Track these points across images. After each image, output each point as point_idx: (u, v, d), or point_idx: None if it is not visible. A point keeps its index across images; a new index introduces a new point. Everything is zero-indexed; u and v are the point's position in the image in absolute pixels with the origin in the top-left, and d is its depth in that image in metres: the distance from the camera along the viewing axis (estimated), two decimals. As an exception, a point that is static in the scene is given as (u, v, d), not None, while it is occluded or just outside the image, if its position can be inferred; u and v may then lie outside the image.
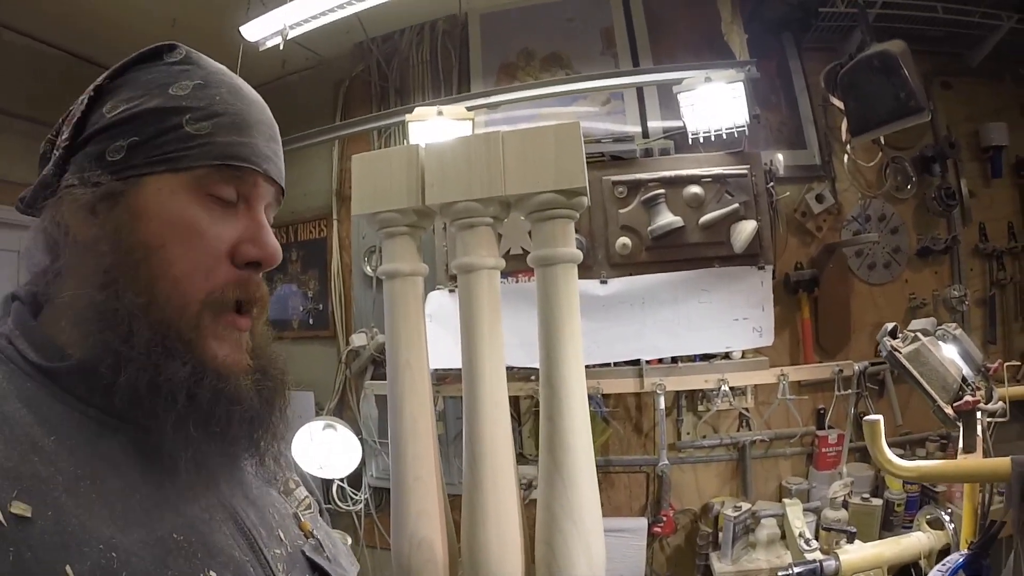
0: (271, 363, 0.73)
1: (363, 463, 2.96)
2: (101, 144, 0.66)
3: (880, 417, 1.50)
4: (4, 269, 2.93)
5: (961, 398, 1.50)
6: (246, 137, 0.69)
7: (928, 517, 2.04)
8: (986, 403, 1.55)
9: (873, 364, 2.61)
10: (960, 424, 1.51)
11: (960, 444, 1.54)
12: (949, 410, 1.50)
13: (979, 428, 1.50)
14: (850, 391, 2.56)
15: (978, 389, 1.58)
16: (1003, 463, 1.37)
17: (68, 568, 0.52)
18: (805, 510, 2.43)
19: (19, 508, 0.52)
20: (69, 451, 0.58)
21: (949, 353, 1.66)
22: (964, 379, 1.57)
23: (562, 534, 0.71)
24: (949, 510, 1.98)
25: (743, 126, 2.43)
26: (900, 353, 1.54)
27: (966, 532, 1.67)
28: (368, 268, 3.12)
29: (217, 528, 0.65)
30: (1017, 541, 1.21)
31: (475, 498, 0.74)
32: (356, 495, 3.03)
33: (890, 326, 1.65)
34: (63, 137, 0.69)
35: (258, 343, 0.73)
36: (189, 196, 0.65)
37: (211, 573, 0.61)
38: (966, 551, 1.48)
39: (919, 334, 1.60)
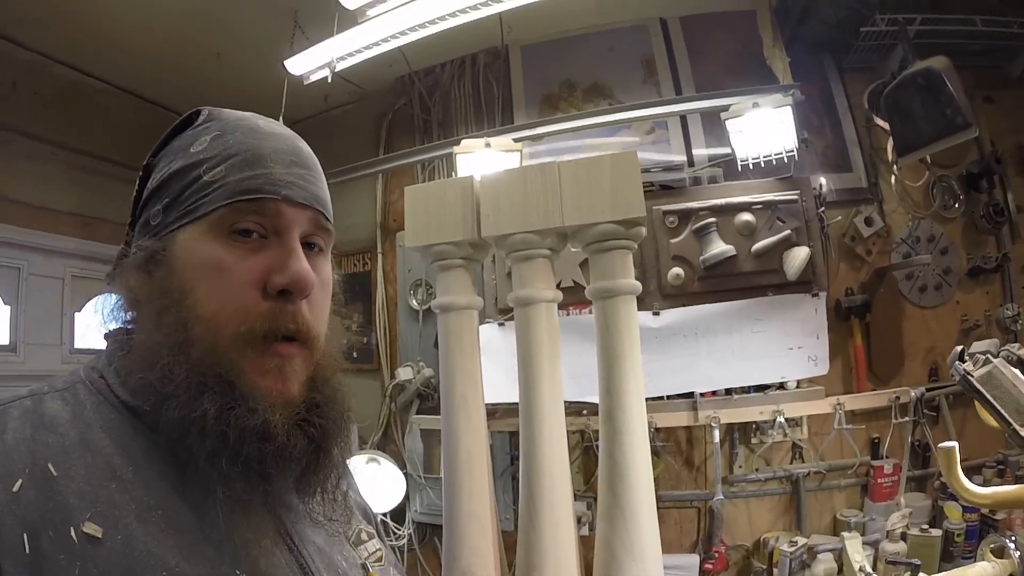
0: (329, 398, 0.72)
1: (407, 497, 2.95)
2: (146, 213, 0.73)
3: (955, 444, 1.47)
4: (45, 294, 3.08)
5: None
6: (259, 169, 0.70)
7: (992, 546, 1.98)
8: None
9: (930, 390, 2.56)
10: None
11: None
12: None
13: None
14: (907, 418, 2.51)
15: None
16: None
17: None
18: (863, 543, 2.36)
19: (91, 528, 0.57)
20: (146, 482, 0.62)
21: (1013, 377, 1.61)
22: None
23: (623, 574, 0.72)
24: (1012, 537, 1.91)
25: (792, 151, 2.43)
26: (973, 377, 1.50)
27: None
28: (414, 302, 3.14)
29: (281, 571, 0.67)
30: None
31: (532, 537, 0.74)
32: (399, 530, 3.02)
33: (959, 349, 1.61)
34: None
35: (318, 374, 0.72)
36: (212, 239, 0.68)
37: None
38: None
39: (990, 356, 1.55)
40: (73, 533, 0.56)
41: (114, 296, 0.73)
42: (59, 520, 0.56)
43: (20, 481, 0.57)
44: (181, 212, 0.69)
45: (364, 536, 0.83)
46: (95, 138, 3.23)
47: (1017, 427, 1.42)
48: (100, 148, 3.25)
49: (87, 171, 3.23)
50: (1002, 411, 1.43)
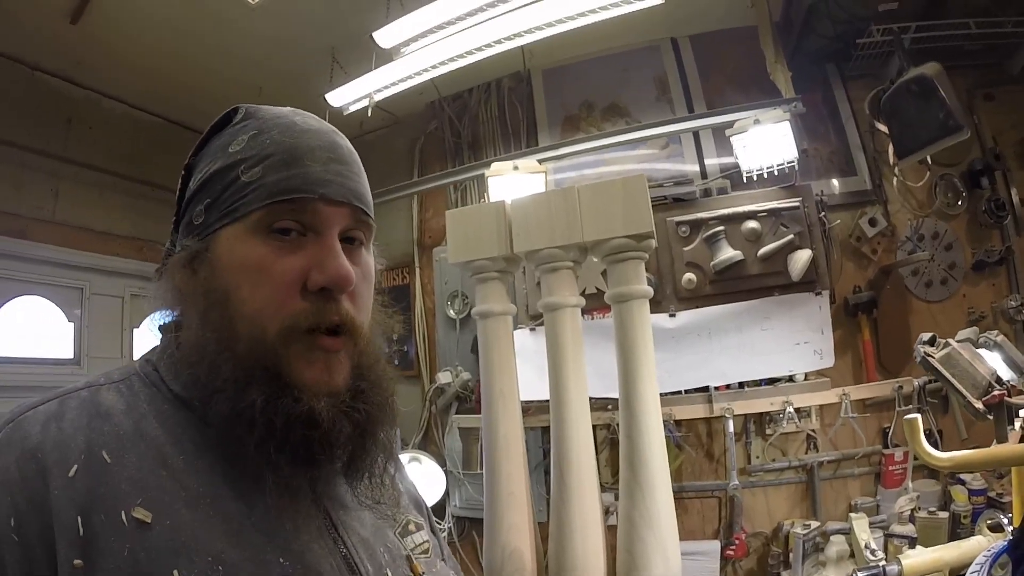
0: (374, 384, 0.73)
1: (447, 493, 3.13)
2: (190, 213, 0.74)
3: (918, 416, 1.64)
4: (106, 311, 3.30)
5: (990, 394, 1.64)
6: (296, 168, 0.70)
7: (988, 522, 2.10)
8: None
9: (933, 380, 2.54)
10: (991, 417, 1.64)
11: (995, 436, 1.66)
12: (979, 405, 1.63)
13: (1017, 423, 1.61)
14: (910, 406, 2.58)
15: (1021, 391, 1.69)
16: (1028, 447, 1.48)
17: (175, 572, 0.58)
18: (874, 526, 2.48)
19: (140, 513, 0.59)
20: (195, 471, 0.65)
21: (992, 360, 1.77)
22: (999, 379, 1.68)
23: (641, 541, 0.78)
24: (1009, 515, 2.01)
25: (792, 161, 2.58)
26: (933, 358, 1.69)
27: (1017, 524, 1.71)
28: (451, 311, 3.32)
29: (324, 559, 0.68)
30: None
31: (562, 512, 0.81)
32: (440, 524, 3.18)
33: (926, 336, 1.79)
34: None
35: (361, 362, 0.73)
36: (253, 239, 0.69)
37: None
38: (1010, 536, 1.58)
39: (951, 341, 1.73)
40: (124, 517, 0.59)
41: (162, 293, 0.74)
42: (111, 504, 0.59)
43: (76, 467, 0.60)
44: (222, 212, 0.70)
45: (412, 527, 0.84)
46: (149, 167, 3.44)
47: (971, 399, 1.61)
48: (154, 176, 3.46)
49: (144, 198, 3.45)
50: (958, 386, 1.62)
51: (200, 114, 3.59)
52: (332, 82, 2.94)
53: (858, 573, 1.87)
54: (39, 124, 3.09)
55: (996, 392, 1.65)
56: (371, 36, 2.50)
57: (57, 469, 0.60)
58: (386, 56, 2.64)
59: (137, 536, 0.58)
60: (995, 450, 1.65)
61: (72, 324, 3.19)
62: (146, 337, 3.37)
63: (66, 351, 3.15)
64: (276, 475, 0.65)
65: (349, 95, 2.86)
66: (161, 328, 0.77)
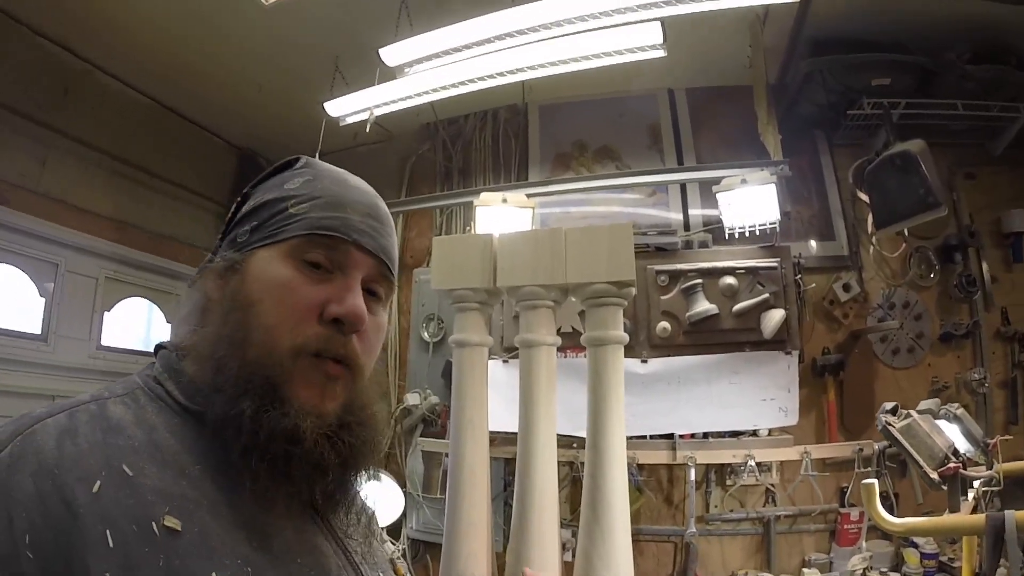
0: (363, 423, 0.76)
1: (404, 515, 3.11)
2: (236, 231, 0.80)
3: (875, 481, 1.72)
4: (79, 290, 3.21)
5: (946, 465, 1.69)
6: (338, 212, 0.77)
7: None
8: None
9: (892, 445, 2.69)
10: (945, 487, 1.69)
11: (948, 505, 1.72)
12: (934, 475, 1.70)
13: (971, 494, 1.67)
14: (869, 469, 2.66)
15: (976, 463, 1.75)
16: (979, 518, 1.55)
17: (214, 574, 0.61)
18: None
19: (171, 522, 0.61)
20: (212, 478, 0.67)
21: (951, 432, 1.84)
22: (955, 451, 1.75)
23: None
24: None
25: (775, 223, 2.64)
26: (893, 428, 1.76)
27: (966, 592, 1.79)
28: (426, 334, 3.32)
29: (332, 560, 0.74)
30: None
31: (521, 545, 0.83)
32: (394, 545, 3.16)
33: (889, 405, 1.86)
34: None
35: (355, 400, 0.76)
36: (285, 262, 0.75)
37: None
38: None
39: (912, 412, 1.80)
40: (155, 527, 0.60)
41: (191, 295, 0.79)
42: (141, 515, 0.60)
43: (99, 482, 0.61)
44: (264, 235, 0.77)
45: (385, 535, 0.94)
46: (136, 148, 3.40)
47: (928, 470, 1.66)
48: (140, 158, 3.43)
49: (128, 179, 3.41)
50: (916, 456, 1.68)
51: (195, 101, 3.58)
52: (332, 91, 2.95)
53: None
54: (35, 90, 2.99)
55: (952, 464, 1.71)
56: (377, 52, 2.52)
57: (80, 486, 0.60)
58: (389, 73, 2.65)
59: (170, 544, 0.60)
60: (946, 519, 1.71)
61: (43, 299, 3.09)
62: (116, 322, 3.34)
63: (34, 326, 3.05)
64: (253, 484, 0.67)
65: (348, 107, 2.87)
66: (161, 346, 0.80)
